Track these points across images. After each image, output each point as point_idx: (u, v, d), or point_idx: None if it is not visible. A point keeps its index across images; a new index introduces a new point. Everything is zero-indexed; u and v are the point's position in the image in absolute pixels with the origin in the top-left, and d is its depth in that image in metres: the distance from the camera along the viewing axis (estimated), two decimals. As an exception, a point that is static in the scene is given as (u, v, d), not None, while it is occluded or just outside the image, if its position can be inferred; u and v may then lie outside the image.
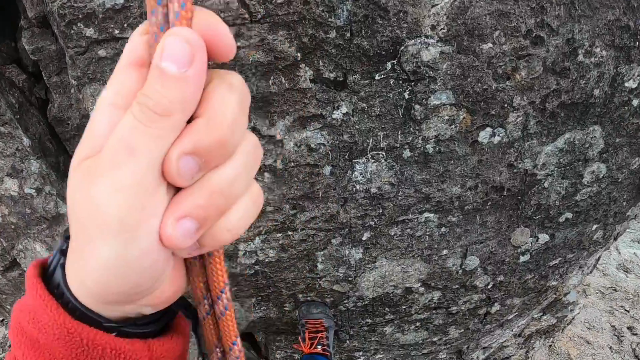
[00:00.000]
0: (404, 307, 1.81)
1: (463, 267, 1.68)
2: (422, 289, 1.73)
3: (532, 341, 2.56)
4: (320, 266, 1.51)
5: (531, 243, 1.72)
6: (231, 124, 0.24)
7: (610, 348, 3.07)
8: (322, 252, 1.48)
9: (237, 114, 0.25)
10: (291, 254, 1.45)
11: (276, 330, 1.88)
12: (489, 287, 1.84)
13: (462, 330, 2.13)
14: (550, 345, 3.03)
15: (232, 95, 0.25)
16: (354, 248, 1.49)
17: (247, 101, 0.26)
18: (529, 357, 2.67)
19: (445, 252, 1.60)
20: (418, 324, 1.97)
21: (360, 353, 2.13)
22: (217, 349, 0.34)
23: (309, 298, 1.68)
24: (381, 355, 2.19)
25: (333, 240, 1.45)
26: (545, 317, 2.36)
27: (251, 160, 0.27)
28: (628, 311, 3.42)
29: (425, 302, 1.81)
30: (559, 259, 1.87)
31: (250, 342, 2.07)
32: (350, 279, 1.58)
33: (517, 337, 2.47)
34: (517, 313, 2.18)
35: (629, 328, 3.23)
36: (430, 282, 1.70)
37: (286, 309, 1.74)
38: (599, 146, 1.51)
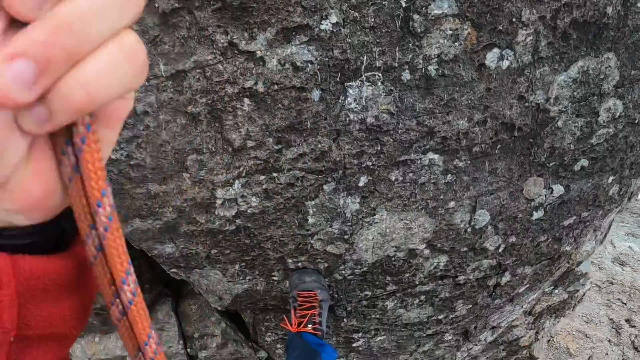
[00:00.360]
0: (407, 275, 1.61)
1: (472, 224, 1.50)
2: (427, 252, 1.53)
3: (542, 320, 2.37)
4: (311, 220, 1.31)
5: (545, 196, 1.55)
6: None
7: (609, 341, 3.02)
8: (312, 202, 1.28)
9: None
10: (277, 204, 1.26)
11: (264, 307, 1.66)
12: (500, 250, 1.65)
13: (470, 305, 1.93)
14: (549, 340, 2.99)
15: None
16: (349, 197, 1.30)
17: None
18: (538, 340, 2.48)
19: (452, 204, 1.42)
20: (422, 297, 1.77)
21: (360, 334, 1.91)
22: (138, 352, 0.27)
23: (299, 265, 1.47)
24: (382, 337, 1.97)
25: (325, 187, 1.26)
26: (556, 292, 2.18)
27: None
28: (625, 304, 3.40)
29: (430, 270, 1.62)
30: (574, 217, 1.70)
31: (237, 323, 1.84)
32: (346, 237, 1.39)
33: (527, 315, 2.27)
34: (528, 285, 1.99)
35: (627, 320, 3.21)
36: (436, 243, 1.51)
37: (275, 278, 1.53)
38: (614, 78, 1.36)
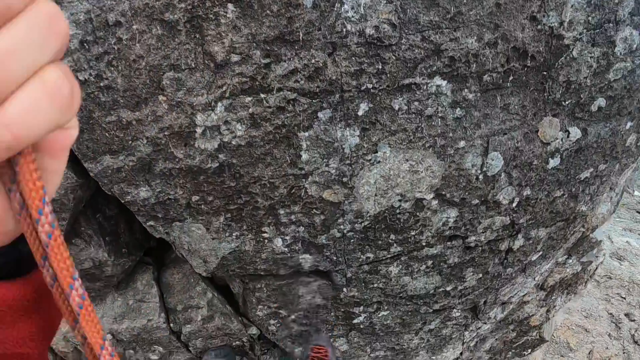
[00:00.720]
0: (413, 233, 1.46)
1: (484, 169, 1.35)
2: (435, 204, 1.38)
3: (553, 297, 2.20)
4: (305, 156, 1.16)
5: (562, 139, 1.42)
6: None
7: (609, 335, 3.00)
8: (306, 134, 1.13)
9: None
10: (266, 133, 1.11)
11: (254, 274, 1.49)
12: (514, 205, 1.50)
13: (481, 275, 1.77)
14: None
15: None
16: (348, 128, 1.15)
17: None
18: (549, 319, 2.31)
19: (462, 144, 1.28)
20: (430, 263, 1.61)
21: (361, 308, 1.74)
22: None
23: (293, 217, 1.31)
24: (385, 312, 1.80)
25: (320, 114, 1.12)
26: (570, 262, 2.03)
27: (39, 33, 0.19)
28: (624, 298, 3.40)
29: (439, 227, 1.46)
30: (591, 169, 1.56)
31: (225, 295, 1.66)
32: (345, 179, 1.23)
33: (539, 290, 2.11)
34: (541, 253, 1.84)
35: (626, 315, 3.19)
36: (445, 193, 1.36)
37: (265, 235, 1.37)
38: (630, 4, 1.25)
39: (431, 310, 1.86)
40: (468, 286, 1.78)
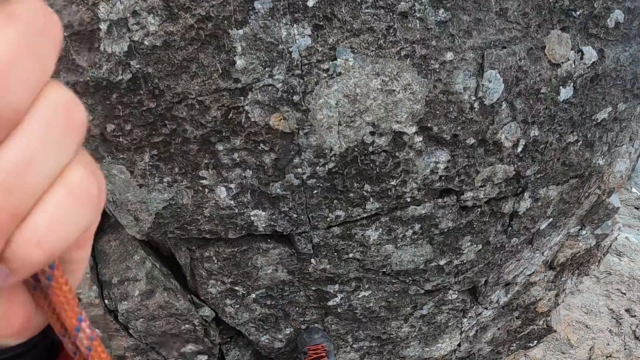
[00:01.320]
0: (393, 182, 1.17)
1: (479, 95, 1.07)
2: (419, 141, 1.09)
3: (563, 278, 1.89)
4: (240, 62, 0.88)
5: (574, 62, 1.13)
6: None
7: (610, 331, 2.98)
8: (240, 32, 0.86)
9: (14, 53, 0.15)
10: (187, 29, 0.83)
11: (200, 237, 1.20)
12: (519, 150, 1.21)
13: (480, 246, 1.47)
14: None
15: (8, 27, 0.15)
16: (295, 25, 0.88)
17: (40, 40, 0.16)
18: (558, 305, 1.99)
19: (449, 56, 1.00)
20: (417, 227, 1.32)
21: (336, 287, 1.44)
22: None
23: (236, 156, 1.03)
24: (366, 293, 1.49)
25: (257, 4, 0.85)
26: (583, 234, 1.72)
27: (56, 132, 0.17)
28: (625, 294, 3.39)
29: (426, 175, 1.17)
30: (609, 108, 1.27)
31: (171, 268, 1.37)
32: (296, 98, 0.95)
33: (548, 268, 1.79)
34: (551, 220, 1.53)
35: (627, 310, 3.18)
36: (432, 125, 1.07)
37: (204, 182, 1.08)
38: None
39: (422, 291, 1.55)
40: (466, 260, 1.48)
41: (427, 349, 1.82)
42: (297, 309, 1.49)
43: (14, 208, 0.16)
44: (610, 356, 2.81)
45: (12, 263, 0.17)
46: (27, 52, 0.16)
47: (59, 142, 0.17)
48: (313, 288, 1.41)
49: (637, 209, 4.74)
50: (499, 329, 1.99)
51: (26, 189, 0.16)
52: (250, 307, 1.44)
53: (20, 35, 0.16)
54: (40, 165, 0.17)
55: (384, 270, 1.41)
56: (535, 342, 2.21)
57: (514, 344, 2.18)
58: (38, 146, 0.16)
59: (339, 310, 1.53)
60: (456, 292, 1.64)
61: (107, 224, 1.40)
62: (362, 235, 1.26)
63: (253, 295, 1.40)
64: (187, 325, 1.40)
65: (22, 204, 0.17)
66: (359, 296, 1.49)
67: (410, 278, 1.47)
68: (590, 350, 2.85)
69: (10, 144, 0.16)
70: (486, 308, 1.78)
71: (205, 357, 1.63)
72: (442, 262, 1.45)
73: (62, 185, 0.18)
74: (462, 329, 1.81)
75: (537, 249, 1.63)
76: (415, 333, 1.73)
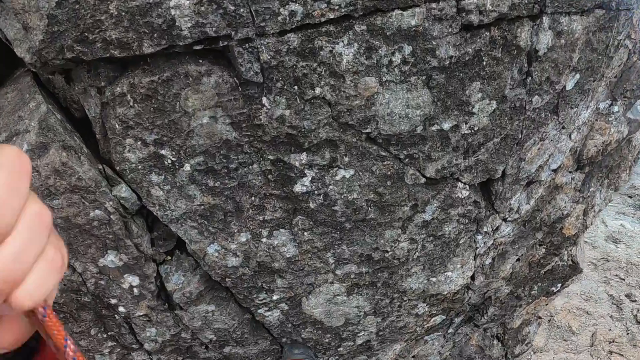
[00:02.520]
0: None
1: None
2: None
3: (592, 188, 1.44)
4: None
5: None
6: None
7: (611, 317, 2.97)
8: None
9: (4, 193, 0.27)
10: None
11: (105, 54, 0.81)
12: None
13: (495, 104, 1.07)
14: (549, 320, 2.91)
15: None
16: None
17: (18, 178, 0.28)
18: (587, 226, 1.56)
19: None
20: (408, 53, 0.94)
21: (303, 157, 1.01)
22: None
23: None
24: (347, 173, 1.07)
25: None
26: (614, 113, 1.29)
27: (36, 232, 0.30)
28: (623, 279, 3.40)
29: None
30: None
31: (78, 128, 0.97)
32: None
33: (576, 164, 1.35)
34: (578, 77, 1.14)
35: (627, 296, 3.17)
36: None
37: None
38: None
39: (423, 180, 1.15)
40: (477, 127, 1.10)
41: (434, 280, 1.38)
42: (252, 197, 1.09)
43: (14, 279, 0.29)
44: (613, 341, 2.78)
45: (13, 306, 0.30)
46: (12, 189, 0.27)
47: (38, 237, 0.30)
48: (270, 157, 1.02)
49: (630, 197, 4.91)
50: (519, 259, 1.54)
51: (21, 267, 0.29)
52: (187, 191, 1.05)
53: (7, 179, 0.27)
54: (28, 253, 0.29)
55: (368, 130, 1.02)
56: (559, 285, 1.75)
57: (536, 286, 1.72)
58: (26, 242, 0.29)
59: (312, 205, 1.13)
60: (467, 188, 1.23)
61: (11, 78, 1.05)
62: (331, 52, 0.90)
63: (187, 167, 1.01)
64: (97, 212, 1.01)
65: (19, 276, 0.29)
66: (337, 178, 1.09)
67: (405, 151, 1.08)
68: (592, 336, 2.83)
69: (8, 244, 0.28)
70: (505, 220, 1.36)
71: (136, 279, 1.21)
72: (446, 126, 1.07)
73: (42, 260, 0.31)
74: (477, 250, 1.38)
75: (564, 127, 1.24)
76: (417, 253, 1.31)
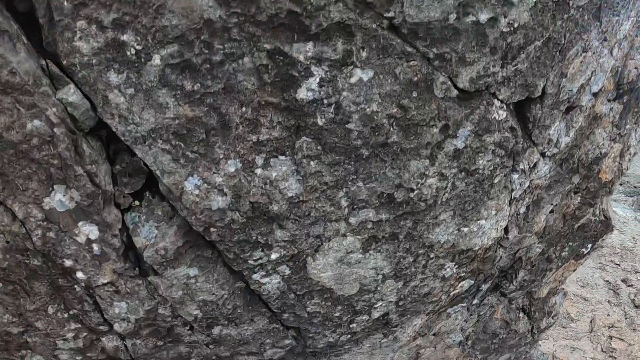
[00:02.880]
0: None
1: None
2: None
3: (627, 125, 1.25)
4: None
5: None
6: None
7: (609, 302, 3.06)
8: None
9: None
10: None
11: None
12: None
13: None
14: None
15: None
16: None
17: None
18: (622, 171, 1.35)
19: None
20: None
21: (309, 48, 0.79)
22: None
23: None
24: (364, 75, 0.84)
25: None
26: None
27: None
28: (619, 265, 3.45)
29: None
30: None
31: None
32: None
33: (615, 90, 1.13)
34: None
35: (623, 281, 3.25)
36: None
37: None
38: None
39: (455, 92, 0.92)
40: (516, 22, 0.87)
41: (465, 230, 1.14)
42: (243, 108, 0.85)
43: None
44: (612, 326, 2.81)
45: None
46: None
47: None
48: (267, 47, 0.78)
49: (621, 184, 4.90)
50: (553, 210, 1.31)
51: None
52: (156, 97, 0.80)
53: None
54: None
55: (391, 14, 0.79)
56: (590, 245, 1.56)
57: (567, 246, 1.50)
58: None
59: (320, 121, 0.88)
60: (504, 108, 1.00)
61: None
62: None
63: (157, 61, 0.77)
64: (36, 123, 0.75)
65: None
66: (352, 81, 0.85)
67: (435, 49, 0.85)
68: (591, 322, 2.85)
69: None
70: (543, 154, 1.12)
71: (94, 229, 0.93)
72: (483, 17, 0.83)
73: None
74: (512, 193, 1.15)
75: (606, 38, 1.03)
76: (447, 194, 1.07)
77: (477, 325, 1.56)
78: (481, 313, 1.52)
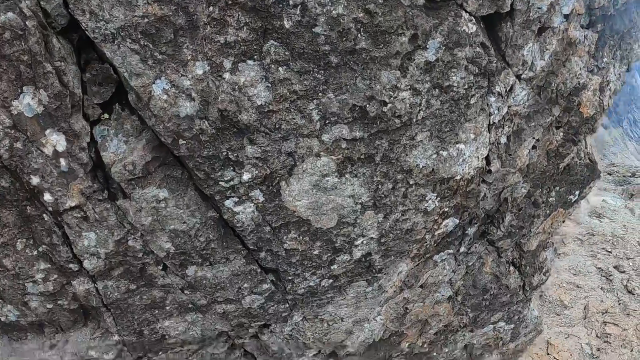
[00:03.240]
0: None
1: None
2: None
3: (605, 58, 1.24)
4: None
5: None
6: None
7: (602, 288, 3.11)
8: None
9: None
10: None
11: None
12: None
13: None
14: (540, 295, 3.01)
15: None
16: None
17: None
18: (604, 108, 1.32)
19: None
20: None
21: None
22: None
23: None
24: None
25: None
26: None
27: None
28: (610, 252, 3.52)
29: None
30: None
31: None
32: None
33: (587, 9, 1.16)
34: None
35: (615, 267, 3.30)
36: None
37: None
38: None
39: (421, 1, 0.95)
40: None
41: (444, 155, 1.11)
42: (210, 7, 0.85)
43: None
44: (606, 312, 2.86)
45: None
46: None
47: None
48: None
49: (610, 174, 5.18)
50: (535, 146, 1.28)
51: None
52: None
53: None
54: None
55: None
56: (577, 193, 1.51)
57: (554, 191, 1.45)
58: None
59: (287, 24, 0.89)
60: (473, 20, 1.01)
61: None
62: None
63: None
64: (9, 14, 0.74)
65: None
66: None
67: None
68: (584, 309, 2.90)
69: None
70: (519, 77, 1.12)
71: (62, 139, 0.92)
72: None
73: None
74: (491, 117, 1.13)
75: None
76: (422, 112, 1.05)
77: (466, 278, 1.49)
78: (470, 264, 1.46)
